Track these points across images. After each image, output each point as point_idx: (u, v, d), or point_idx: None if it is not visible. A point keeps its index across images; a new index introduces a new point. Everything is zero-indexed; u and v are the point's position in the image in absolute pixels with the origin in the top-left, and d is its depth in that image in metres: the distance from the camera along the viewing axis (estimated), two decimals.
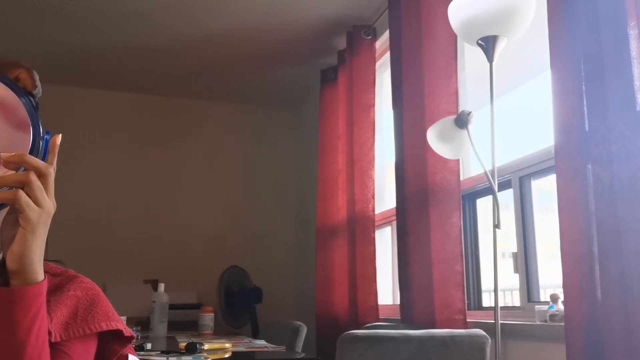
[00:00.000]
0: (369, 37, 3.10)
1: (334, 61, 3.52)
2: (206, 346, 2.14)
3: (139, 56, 3.73)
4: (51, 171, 0.73)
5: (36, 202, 0.71)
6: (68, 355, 0.85)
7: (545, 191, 2.06)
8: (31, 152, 0.74)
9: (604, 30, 1.45)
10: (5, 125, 0.75)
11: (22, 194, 0.69)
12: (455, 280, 2.11)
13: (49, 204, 0.73)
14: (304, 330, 2.68)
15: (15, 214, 0.71)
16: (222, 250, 4.20)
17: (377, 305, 2.75)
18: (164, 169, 4.32)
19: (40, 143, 0.75)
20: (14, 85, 0.76)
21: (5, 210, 0.73)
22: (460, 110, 2.05)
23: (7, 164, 0.70)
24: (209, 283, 3.84)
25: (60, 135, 0.77)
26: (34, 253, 0.72)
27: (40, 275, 0.74)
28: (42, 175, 0.71)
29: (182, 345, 2.16)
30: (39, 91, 0.85)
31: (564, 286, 1.50)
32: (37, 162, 0.71)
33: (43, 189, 0.72)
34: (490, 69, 1.80)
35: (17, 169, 0.71)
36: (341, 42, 3.39)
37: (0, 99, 0.75)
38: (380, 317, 2.74)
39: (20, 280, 0.72)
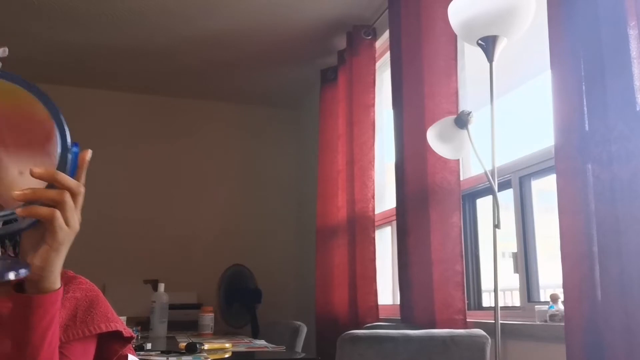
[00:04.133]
0: (369, 37, 3.10)
1: (334, 61, 3.52)
2: (206, 346, 2.14)
3: (139, 56, 3.73)
4: (82, 190, 0.71)
5: (67, 222, 0.70)
6: (67, 357, 0.85)
7: (545, 191, 2.06)
8: (59, 166, 0.71)
9: (604, 30, 1.45)
10: (32, 136, 0.73)
11: (59, 215, 0.68)
12: (455, 280, 2.11)
13: (77, 223, 0.72)
14: (304, 330, 2.68)
15: (41, 228, 0.70)
16: (222, 250, 4.20)
17: (377, 305, 2.75)
18: (164, 169, 4.32)
19: (68, 156, 0.71)
20: (41, 94, 0.73)
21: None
22: (460, 110, 2.05)
23: (38, 174, 0.67)
24: (209, 283, 3.84)
25: (90, 151, 0.75)
26: (56, 267, 0.72)
27: (57, 283, 0.73)
28: (74, 195, 0.70)
29: (182, 345, 2.16)
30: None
31: (564, 286, 1.50)
32: (70, 181, 0.69)
33: (74, 210, 0.70)
34: (490, 69, 1.80)
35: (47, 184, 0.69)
36: (341, 42, 3.39)
37: (27, 109, 0.72)
38: (380, 317, 2.74)
39: (37, 288, 0.72)
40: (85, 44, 3.54)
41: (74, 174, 0.72)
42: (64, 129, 0.71)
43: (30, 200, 0.67)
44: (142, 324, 3.17)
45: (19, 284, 0.74)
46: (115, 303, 0.98)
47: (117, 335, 0.93)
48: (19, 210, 0.66)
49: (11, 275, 0.66)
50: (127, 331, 0.93)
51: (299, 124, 4.60)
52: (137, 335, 2.70)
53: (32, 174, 0.66)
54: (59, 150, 0.70)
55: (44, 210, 0.67)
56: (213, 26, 3.32)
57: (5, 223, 0.69)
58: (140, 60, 3.80)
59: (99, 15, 3.19)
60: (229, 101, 4.53)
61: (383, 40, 3.12)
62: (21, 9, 3.11)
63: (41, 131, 0.71)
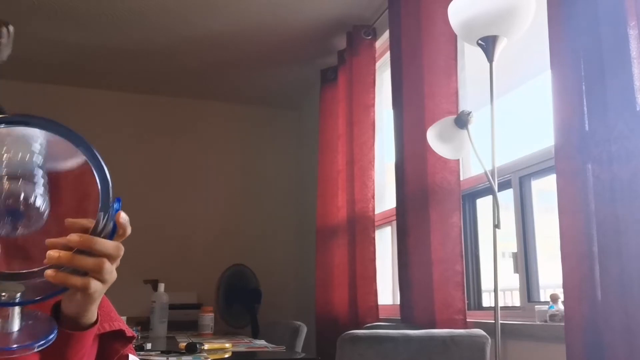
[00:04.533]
0: (369, 37, 3.10)
1: (334, 61, 3.52)
2: (206, 346, 2.14)
3: (139, 56, 3.73)
4: (121, 253, 0.67)
5: (104, 282, 0.66)
6: None
7: (545, 191, 2.06)
8: (96, 226, 0.65)
9: (604, 30, 1.45)
10: (72, 189, 0.67)
11: (94, 282, 0.65)
12: (455, 280, 2.11)
13: (114, 277, 0.68)
14: (304, 330, 2.68)
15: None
16: (222, 250, 4.20)
17: (377, 305, 2.75)
18: (163, 168, 4.32)
19: (110, 212, 0.65)
20: (81, 141, 0.65)
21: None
22: (460, 110, 2.05)
23: (75, 243, 0.63)
24: (209, 283, 3.84)
25: (124, 216, 0.68)
26: (94, 309, 0.70)
27: (94, 316, 0.72)
28: (112, 259, 0.66)
29: (182, 345, 2.16)
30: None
31: (564, 286, 1.50)
32: (108, 247, 0.65)
33: (112, 270, 0.67)
34: (490, 69, 1.80)
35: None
36: (341, 42, 3.39)
37: (68, 163, 0.66)
38: (380, 317, 2.74)
39: (75, 323, 0.70)
40: (85, 44, 3.54)
41: (114, 233, 0.66)
42: (107, 183, 0.65)
43: (63, 265, 0.62)
44: (142, 324, 3.17)
45: (55, 310, 0.71)
46: (115, 303, 0.98)
47: (118, 335, 0.93)
48: (49, 275, 0.61)
49: (38, 347, 0.62)
50: (129, 331, 0.93)
51: (299, 124, 4.60)
52: (137, 335, 2.70)
53: (70, 243, 0.62)
54: (99, 206, 0.64)
55: (78, 282, 0.63)
56: (213, 26, 3.32)
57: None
58: (140, 60, 3.80)
59: (99, 15, 3.19)
60: (229, 101, 4.52)
61: (383, 40, 3.12)
62: (21, 9, 3.11)
63: (80, 186, 0.66)
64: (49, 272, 0.61)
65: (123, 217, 0.67)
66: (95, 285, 0.65)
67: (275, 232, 4.45)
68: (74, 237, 0.62)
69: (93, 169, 0.65)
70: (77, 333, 0.70)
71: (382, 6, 2.99)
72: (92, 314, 0.71)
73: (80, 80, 4.14)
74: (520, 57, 2.28)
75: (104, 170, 0.66)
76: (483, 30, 1.76)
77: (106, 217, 0.65)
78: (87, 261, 0.63)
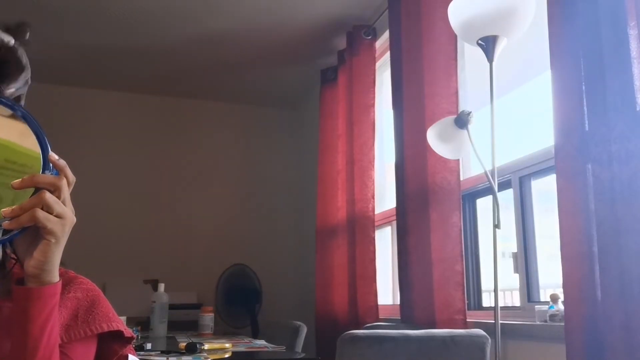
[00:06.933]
0: (369, 37, 3.10)
1: (334, 61, 3.52)
2: (206, 346, 2.14)
3: (139, 56, 3.73)
4: (63, 182, 0.75)
5: (57, 215, 0.73)
6: (69, 357, 0.85)
7: (545, 191, 2.06)
8: (44, 171, 0.76)
9: (604, 30, 1.45)
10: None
11: (38, 211, 0.72)
12: (455, 280, 2.11)
13: (69, 213, 0.75)
14: (304, 330, 2.67)
15: (33, 232, 0.74)
16: (222, 250, 4.20)
17: (377, 305, 2.75)
18: (163, 168, 4.32)
19: (50, 167, 0.77)
20: (16, 106, 0.77)
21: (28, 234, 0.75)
22: (460, 110, 2.05)
23: (21, 188, 0.73)
24: (209, 283, 3.85)
25: (53, 154, 0.78)
26: (55, 261, 0.75)
27: (56, 276, 0.77)
28: (56, 189, 0.74)
29: (182, 345, 2.16)
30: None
31: (564, 286, 1.50)
32: (47, 178, 0.74)
33: (60, 202, 0.74)
34: (490, 69, 1.80)
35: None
36: (341, 42, 3.39)
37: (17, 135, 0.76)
38: (380, 317, 2.74)
39: (36, 283, 0.75)
40: (86, 44, 3.54)
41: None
42: (43, 139, 0.76)
43: (18, 215, 0.71)
44: (142, 324, 3.17)
45: (19, 280, 0.76)
46: (115, 303, 0.98)
47: (117, 336, 0.93)
48: (6, 224, 0.72)
49: None
50: (128, 331, 0.94)
51: (299, 124, 4.60)
52: (137, 335, 2.70)
53: (13, 188, 0.72)
54: (41, 158, 0.76)
55: (24, 218, 0.71)
56: (213, 26, 3.32)
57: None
58: (141, 60, 3.80)
59: (99, 15, 3.19)
60: (229, 101, 4.53)
61: (383, 40, 3.12)
62: (22, 9, 3.11)
63: (23, 144, 0.76)
64: (5, 223, 0.71)
65: (57, 157, 0.76)
66: (42, 217, 0.71)
67: (275, 232, 4.45)
68: (16, 182, 0.72)
69: (35, 136, 0.76)
70: (37, 289, 0.75)
71: (382, 6, 2.99)
72: (52, 273, 0.76)
73: (80, 81, 4.14)
74: (520, 57, 2.28)
75: (38, 127, 0.76)
76: (483, 30, 1.76)
77: (48, 165, 0.76)
78: (31, 200, 0.72)
